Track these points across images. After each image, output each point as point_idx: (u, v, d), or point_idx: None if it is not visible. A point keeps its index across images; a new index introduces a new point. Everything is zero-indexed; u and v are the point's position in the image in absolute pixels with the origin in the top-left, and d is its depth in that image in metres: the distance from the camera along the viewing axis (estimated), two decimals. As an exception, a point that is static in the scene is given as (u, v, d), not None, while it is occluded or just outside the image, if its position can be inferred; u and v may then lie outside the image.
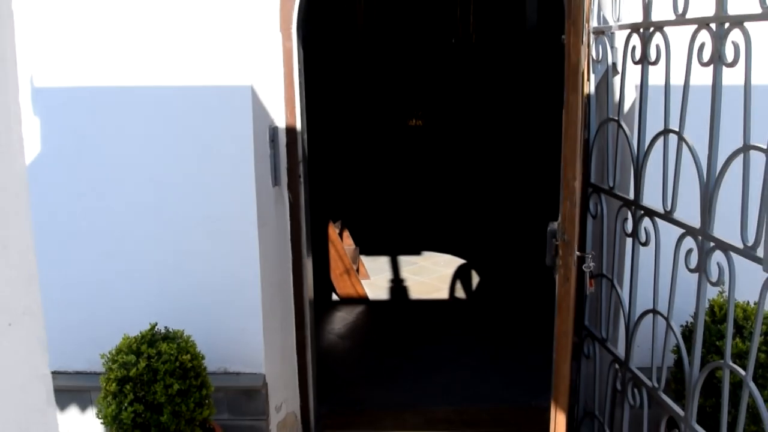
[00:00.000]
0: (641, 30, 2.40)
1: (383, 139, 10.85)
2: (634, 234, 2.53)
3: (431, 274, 5.95)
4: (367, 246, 6.39)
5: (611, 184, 2.80)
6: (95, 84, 2.85)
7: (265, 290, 3.02)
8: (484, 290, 5.66)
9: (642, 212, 2.49)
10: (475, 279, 5.86)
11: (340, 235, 5.56)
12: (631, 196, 2.56)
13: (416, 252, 6.49)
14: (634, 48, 2.50)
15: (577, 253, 2.51)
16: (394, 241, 6.79)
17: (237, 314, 3.00)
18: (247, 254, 2.94)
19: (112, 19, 2.81)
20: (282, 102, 3.05)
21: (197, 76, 2.82)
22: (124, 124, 2.87)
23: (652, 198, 2.49)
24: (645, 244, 2.49)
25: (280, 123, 3.06)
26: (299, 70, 3.11)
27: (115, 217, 2.95)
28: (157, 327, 2.74)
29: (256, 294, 2.98)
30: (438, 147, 10.76)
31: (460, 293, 5.57)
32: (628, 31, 2.53)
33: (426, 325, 4.92)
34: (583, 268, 2.64)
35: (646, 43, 2.38)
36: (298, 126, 3.11)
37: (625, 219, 2.62)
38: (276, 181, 3.07)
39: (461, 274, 5.94)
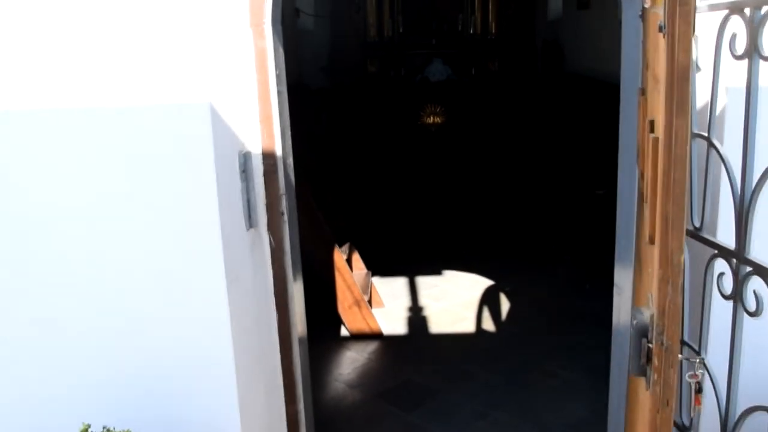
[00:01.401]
0: (749, 11, 1.68)
1: (396, 140, 10.17)
2: (737, 297, 1.81)
3: (454, 299, 5.24)
4: (381, 265, 5.70)
5: (696, 224, 2.08)
6: None
7: (240, 364, 2.33)
8: (514, 319, 4.94)
9: (749, 269, 1.76)
10: (505, 305, 5.14)
11: (349, 259, 4.86)
12: (731, 243, 1.84)
13: (436, 271, 5.78)
14: (734, 36, 1.78)
15: (685, 357, 1.78)
16: (411, 257, 6.08)
17: (204, 400, 2.31)
18: (214, 319, 2.25)
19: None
20: (256, 120, 2.36)
21: (137, 90, 2.14)
22: (40, 157, 2.17)
23: (763, 249, 1.78)
24: (754, 313, 1.77)
25: (254, 147, 2.36)
26: (278, 76, 2.41)
27: (37, 275, 2.25)
28: (91, 430, 2.06)
29: (228, 371, 2.29)
30: (460, 148, 10.06)
31: (487, 323, 4.85)
32: (725, 12, 1.81)
33: (451, 368, 4.21)
34: (687, 378, 1.89)
35: (756, 28, 1.65)
36: (279, 149, 2.42)
37: (721, 275, 1.90)
38: (251, 221, 2.38)
39: (488, 299, 5.23)
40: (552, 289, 5.40)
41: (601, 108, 6.86)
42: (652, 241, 1.57)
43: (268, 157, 2.38)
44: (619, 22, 6.14)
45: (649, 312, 1.51)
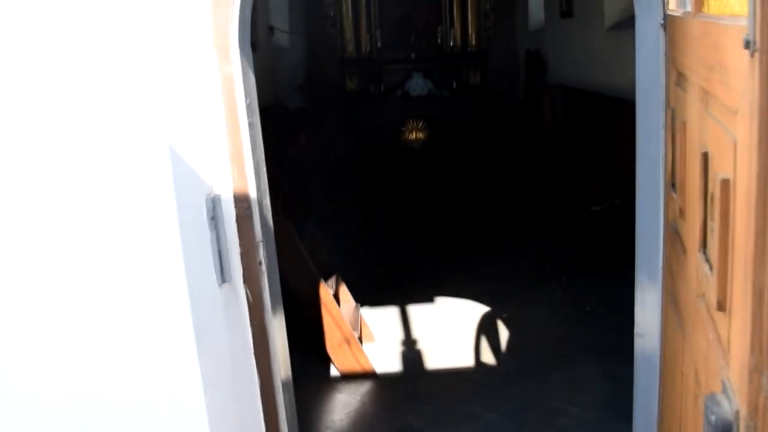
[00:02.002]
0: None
1: (378, 158, 9.87)
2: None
3: (449, 329, 4.91)
4: (370, 294, 5.37)
5: None
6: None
7: (216, 426, 1.99)
8: (514, 349, 4.63)
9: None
10: (503, 333, 4.82)
11: (336, 293, 4.53)
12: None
13: (428, 299, 5.45)
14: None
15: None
16: (400, 284, 5.75)
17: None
18: (185, 388, 1.91)
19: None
20: (225, 157, 2.04)
21: (84, 126, 1.80)
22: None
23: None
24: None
25: (224, 189, 2.04)
26: (248, 106, 2.09)
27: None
28: None
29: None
30: (445, 163, 9.77)
31: (486, 355, 4.53)
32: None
33: (451, 409, 3.88)
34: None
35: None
36: (253, 190, 2.09)
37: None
38: (224, 276, 2.04)
39: (485, 328, 4.91)
40: (551, 314, 5.09)
41: (590, 119, 6.61)
42: (721, 308, 1.26)
43: (241, 200, 2.06)
44: (609, 30, 5.80)
45: (730, 405, 1.19)
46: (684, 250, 1.74)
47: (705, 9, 1.48)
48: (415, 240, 6.87)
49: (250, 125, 2.06)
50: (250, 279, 2.11)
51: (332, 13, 10.37)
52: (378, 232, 7.16)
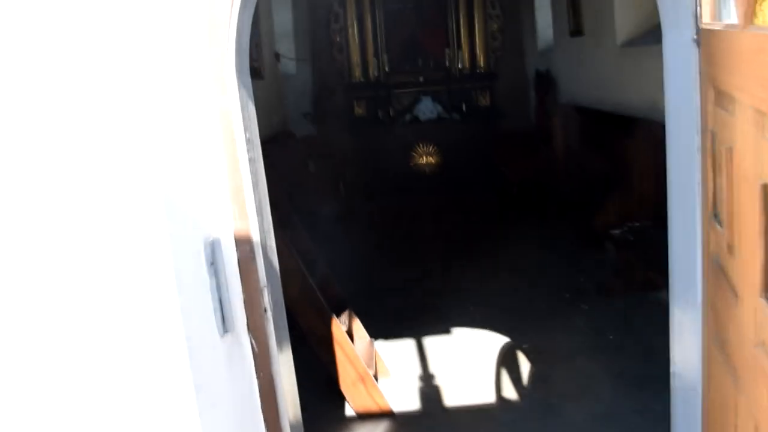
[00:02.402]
0: None
1: (389, 184, 9.72)
2: None
3: (468, 362, 4.72)
4: (384, 326, 5.19)
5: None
6: None
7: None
8: (538, 382, 4.42)
9: None
10: (524, 365, 4.62)
11: (349, 329, 4.35)
12: None
13: (444, 330, 5.26)
14: None
15: None
16: (415, 314, 5.56)
17: None
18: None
19: None
20: (225, 197, 1.88)
21: (69, 168, 1.65)
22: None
23: None
24: None
25: (225, 232, 1.88)
26: (249, 141, 1.93)
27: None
28: None
29: None
30: (457, 187, 9.61)
31: (509, 390, 4.32)
32: None
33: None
34: None
35: None
36: (255, 231, 1.93)
37: None
38: (226, 325, 1.88)
39: (506, 360, 4.71)
40: (573, 343, 4.88)
41: (605, 138, 6.44)
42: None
43: (243, 243, 1.89)
44: (622, 47, 5.60)
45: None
46: (734, 292, 1.56)
47: (759, 21, 1.31)
48: (428, 268, 6.68)
49: (251, 161, 1.90)
50: (255, 327, 1.94)
51: (338, 39, 10.29)
52: (391, 259, 6.99)
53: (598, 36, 6.61)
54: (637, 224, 5.33)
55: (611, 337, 4.87)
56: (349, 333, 4.29)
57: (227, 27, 1.79)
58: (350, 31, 10.05)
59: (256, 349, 1.97)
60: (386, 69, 10.16)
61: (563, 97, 8.15)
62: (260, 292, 1.93)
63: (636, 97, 5.80)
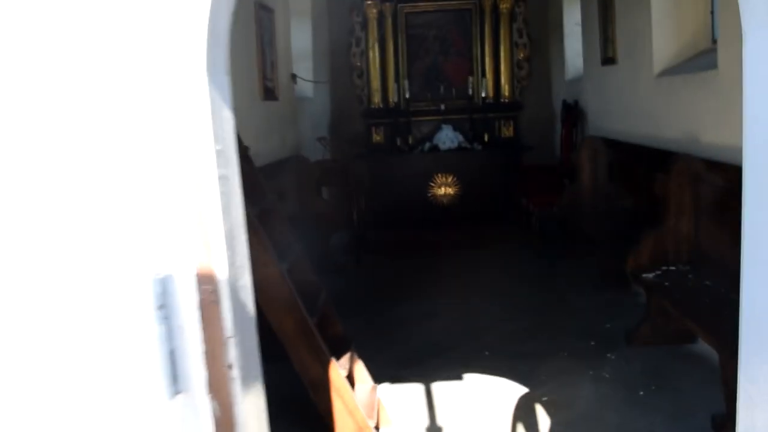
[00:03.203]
0: None
1: (405, 215, 9.33)
2: None
3: (480, 413, 4.27)
4: (389, 369, 4.77)
5: None
6: None
7: None
8: (559, 441, 3.97)
9: None
10: (543, 421, 4.16)
11: (350, 373, 3.93)
12: None
13: (455, 375, 4.82)
14: None
15: None
16: (424, 357, 5.12)
17: None
18: None
19: None
20: (187, 223, 1.49)
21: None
22: None
23: None
24: None
25: (182, 267, 1.48)
26: (220, 153, 1.55)
27: None
28: None
29: None
30: (476, 221, 9.20)
31: (526, 449, 3.88)
32: None
33: None
34: None
35: None
36: (223, 265, 1.54)
37: None
38: (178, 385, 1.48)
39: (522, 413, 4.25)
40: (598, 397, 4.42)
41: (637, 173, 6.02)
42: None
43: (206, 280, 1.50)
44: (658, 76, 5.06)
45: None
46: None
47: None
48: (443, 304, 6.25)
49: (223, 179, 1.52)
50: (218, 388, 1.54)
51: (359, 63, 10.00)
52: (403, 293, 6.57)
53: (633, 65, 6.22)
54: (673, 268, 4.89)
55: (641, 393, 4.40)
56: (350, 377, 3.87)
57: (196, 10, 1.41)
58: (371, 55, 9.76)
59: (218, 414, 1.56)
60: (406, 95, 9.84)
61: (592, 129, 7.74)
62: (225, 343, 1.53)
63: (672, 130, 5.39)
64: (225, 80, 1.63)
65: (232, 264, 1.56)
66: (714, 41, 5.45)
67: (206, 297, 1.49)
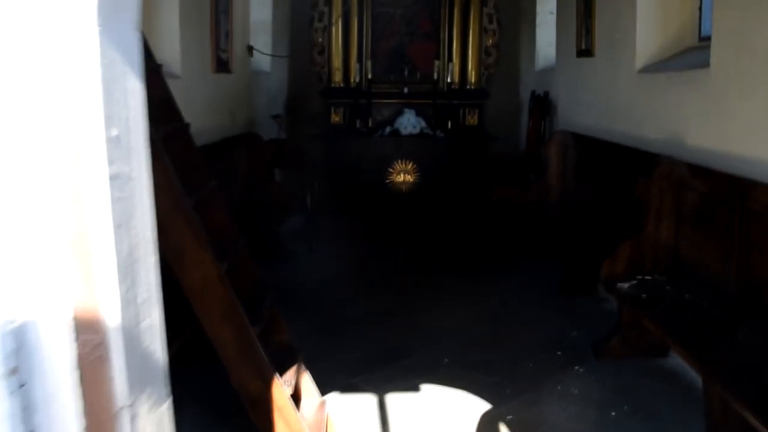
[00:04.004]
0: None
1: (361, 201, 8.88)
2: None
3: (438, 430, 3.88)
4: (340, 377, 4.35)
5: None
6: None
7: None
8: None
9: None
10: (508, 442, 3.79)
11: (297, 388, 3.46)
12: None
13: (412, 386, 4.40)
14: None
15: None
16: (378, 364, 4.70)
17: None
18: None
19: None
20: (59, 246, 1.01)
21: None
22: None
23: None
24: None
25: (50, 311, 1.01)
26: (112, 140, 1.07)
27: None
28: None
29: None
30: (436, 211, 8.79)
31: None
32: None
33: None
34: None
35: None
36: (114, 306, 1.06)
37: None
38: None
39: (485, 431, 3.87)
40: (569, 416, 4.06)
41: (611, 174, 5.67)
42: None
43: (88, 328, 1.03)
44: (641, 72, 4.68)
45: None
46: None
47: None
48: (398, 301, 5.83)
49: (118, 180, 1.04)
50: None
51: (321, 39, 9.46)
52: (356, 287, 6.13)
53: (612, 58, 5.85)
54: (649, 278, 4.55)
55: (613, 413, 4.05)
56: (296, 392, 3.41)
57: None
58: (334, 31, 9.22)
59: None
60: (369, 76, 9.35)
61: (561, 123, 7.39)
62: (116, 417, 1.06)
63: (655, 130, 5.04)
64: (132, 37, 1.15)
65: (130, 300, 1.09)
66: (701, 38, 5.10)
67: (88, 352, 1.02)
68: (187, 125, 3.40)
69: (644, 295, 4.25)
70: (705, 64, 4.39)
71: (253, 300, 3.35)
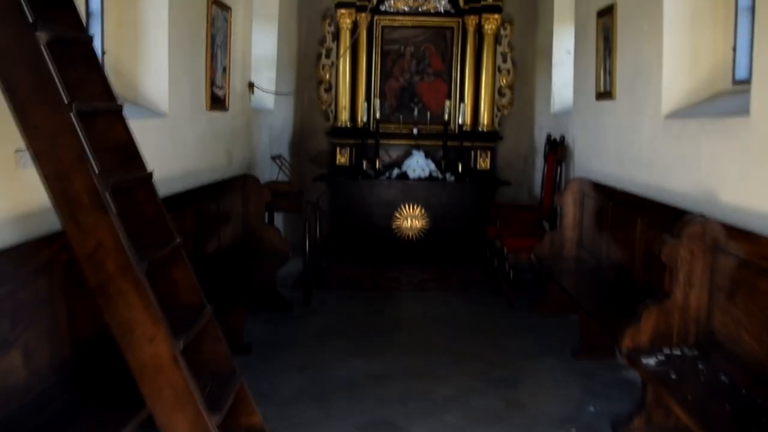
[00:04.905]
0: None
1: (365, 248, 8.43)
2: None
3: None
4: None
5: None
6: None
7: None
8: None
9: None
10: None
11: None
12: None
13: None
14: None
15: None
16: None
17: None
18: None
19: None
20: None
21: None
22: None
23: None
24: None
25: None
26: None
27: None
28: None
29: None
30: (446, 260, 8.31)
31: None
32: None
33: None
34: None
35: None
36: None
37: None
38: None
39: None
40: None
41: (634, 229, 5.17)
42: None
43: None
44: (668, 118, 4.19)
45: None
46: None
47: None
48: (396, 363, 5.30)
49: None
50: None
51: (328, 76, 9.12)
52: (351, 345, 5.62)
53: (636, 102, 5.39)
54: (678, 352, 4.02)
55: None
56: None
57: None
58: (341, 68, 8.88)
59: None
60: (377, 116, 8.97)
61: (579, 169, 6.91)
62: None
63: (684, 183, 4.55)
64: None
65: None
66: (735, 82, 4.64)
67: None
68: (150, 174, 2.95)
69: (673, 376, 3.72)
70: (743, 111, 3.92)
71: (217, 380, 2.86)
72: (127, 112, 4.76)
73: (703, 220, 4.01)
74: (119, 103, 2.88)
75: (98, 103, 2.79)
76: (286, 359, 5.29)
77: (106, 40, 4.77)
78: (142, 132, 4.72)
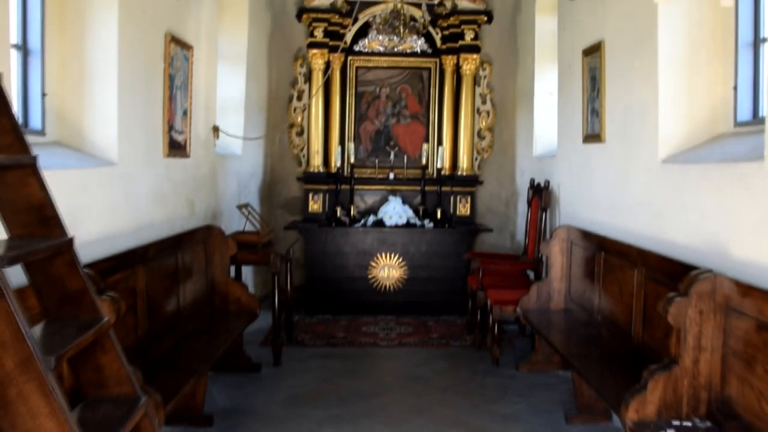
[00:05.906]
0: None
1: (338, 302, 7.92)
2: None
3: None
4: None
5: None
6: None
7: None
8: None
9: None
10: None
11: None
12: None
13: None
14: None
15: None
16: None
17: None
18: None
19: None
20: None
21: None
22: None
23: None
24: None
25: None
26: None
27: None
28: None
29: None
30: (425, 313, 7.82)
31: None
32: None
33: None
34: None
35: None
36: None
37: None
38: None
39: None
40: None
41: (629, 283, 4.75)
42: None
43: None
44: (665, 162, 3.64)
45: None
46: None
47: None
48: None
49: None
50: None
51: (300, 119, 8.71)
52: (325, 414, 5.08)
53: (628, 145, 5.00)
54: (688, 424, 3.56)
55: None
56: None
57: None
58: (314, 111, 8.46)
59: None
60: (351, 160, 8.54)
61: (565, 216, 6.51)
62: None
63: (687, 234, 4.14)
64: None
65: None
66: (737, 124, 4.27)
67: None
68: (70, 240, 2.46)
69: (688, 454, 3.25)
70: (752, 155, 3.53)
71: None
72: (71, 161, 4.40)
73: (713, 276, 3.59)
74: (32, 155, 2.39)
75: (5, 156, 2.31)
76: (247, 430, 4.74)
77: (47, 80, 4.29)
78: (87, 182, 4.28)
